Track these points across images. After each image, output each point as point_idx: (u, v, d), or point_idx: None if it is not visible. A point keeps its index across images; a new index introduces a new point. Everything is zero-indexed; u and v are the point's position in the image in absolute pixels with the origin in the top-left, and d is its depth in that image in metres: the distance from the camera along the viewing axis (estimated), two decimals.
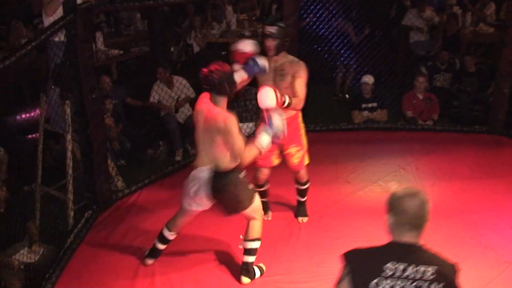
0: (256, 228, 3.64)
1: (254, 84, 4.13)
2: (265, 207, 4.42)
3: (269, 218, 4.42)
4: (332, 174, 5.14)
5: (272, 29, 3.78)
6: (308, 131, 4.29)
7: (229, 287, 3.71)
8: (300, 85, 3.82)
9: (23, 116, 5.71)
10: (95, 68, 4.54)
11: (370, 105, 6.51)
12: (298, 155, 4.10)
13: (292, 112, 3.93)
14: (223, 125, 3.27)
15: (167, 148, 6.02)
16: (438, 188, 4.85)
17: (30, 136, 5.44)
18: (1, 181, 4.36)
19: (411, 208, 2.02)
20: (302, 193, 4.41)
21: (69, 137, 4.42)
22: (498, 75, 5.90)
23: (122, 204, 4.80)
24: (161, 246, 3.86)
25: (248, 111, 6.25)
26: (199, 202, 3.56)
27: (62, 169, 4.48)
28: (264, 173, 4.21)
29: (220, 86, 3.31)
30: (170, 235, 3.79)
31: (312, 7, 6.51)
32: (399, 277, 1.98)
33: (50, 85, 4.38)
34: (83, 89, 4.29)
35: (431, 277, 1.98)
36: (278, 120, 3.41)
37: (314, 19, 6.80)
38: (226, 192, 3.45)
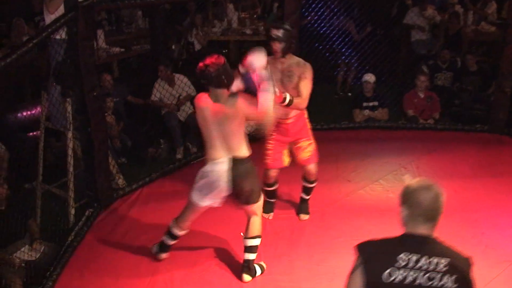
0: (256, 225, 3.65)
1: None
2: (271, 208, 4.43)
3: (270, 218, 4.43)
4: (333, 172, 5.14)
5: (279, 33, 3.82)
6: None
7: (230, 285, 3.72)
8: (305, 86, 3.86)
9: (24, 113, 5.69)
10: (96, 66, 4.54)
11: (371, 104, 6.51)
12: (310, 148, 4.14)
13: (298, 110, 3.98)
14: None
15: (168, 146, 6.02)
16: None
17: (31, 133, 5.42)
18: (2, 179, 4.36)
19: (425, 200, 2.04)
20: (307, 191, 4.41)
21: (70, 135, 4.43)
22: (499, 74, 5.89)
23: (123, 202, 4.80)
24: (170, 242, 3.84)
25: None
26: (215, 196, 3.50)
27: (63, 167, 4.48)
28: (274, 172, 4.23)
29: (218, 79, 3.31)
30: (178, 231, 3.77)
31: (313, 5, 6.51)
32: (412, 268, 1.98)
33: (51, 82, 4.37)
34: (84, 87, 4.28)
35: (444, 269, 1.98)
36: (267, 73, 3.39)
37: (316, 17, 6.80)
38: (246, 179, 3.44)
